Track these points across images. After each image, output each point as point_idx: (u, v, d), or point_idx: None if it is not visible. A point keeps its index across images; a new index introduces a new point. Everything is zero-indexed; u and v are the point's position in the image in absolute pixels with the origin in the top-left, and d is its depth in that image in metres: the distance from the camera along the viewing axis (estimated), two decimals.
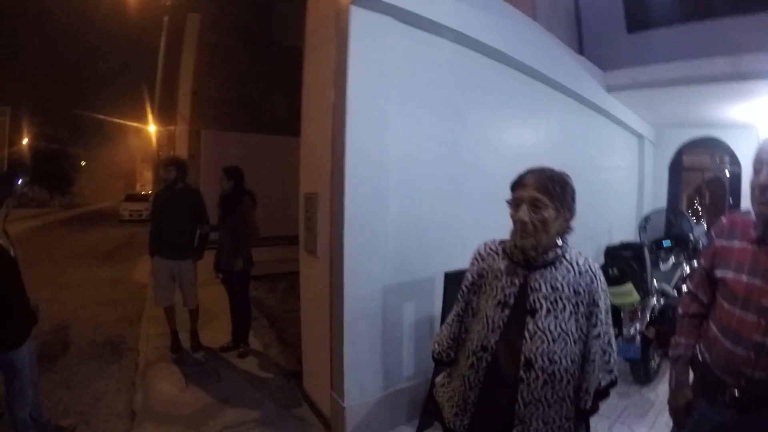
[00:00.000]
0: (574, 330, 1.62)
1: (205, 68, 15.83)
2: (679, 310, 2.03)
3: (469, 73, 4.06)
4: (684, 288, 5.01)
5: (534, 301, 1.64)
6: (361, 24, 3.16)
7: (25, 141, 38.43)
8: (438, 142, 3.78)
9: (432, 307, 3.74)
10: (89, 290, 8.35)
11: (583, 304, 1.63)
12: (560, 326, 1.60)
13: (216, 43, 15.87)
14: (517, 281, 1.69)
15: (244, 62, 15.83)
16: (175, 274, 4.93)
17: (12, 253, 2.93)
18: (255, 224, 4.92)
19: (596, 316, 1.64)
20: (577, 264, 1.66)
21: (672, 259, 5.69)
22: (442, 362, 1.94)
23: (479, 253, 1.87)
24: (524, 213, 1.61)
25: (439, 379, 1.99)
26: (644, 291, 4.20)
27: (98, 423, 3.71)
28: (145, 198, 27.37)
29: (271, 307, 6.88)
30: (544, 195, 1.60)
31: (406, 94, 3.49)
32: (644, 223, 6.25)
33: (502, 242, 1.81)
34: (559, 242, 1.67)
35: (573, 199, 1.68)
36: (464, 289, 1.88)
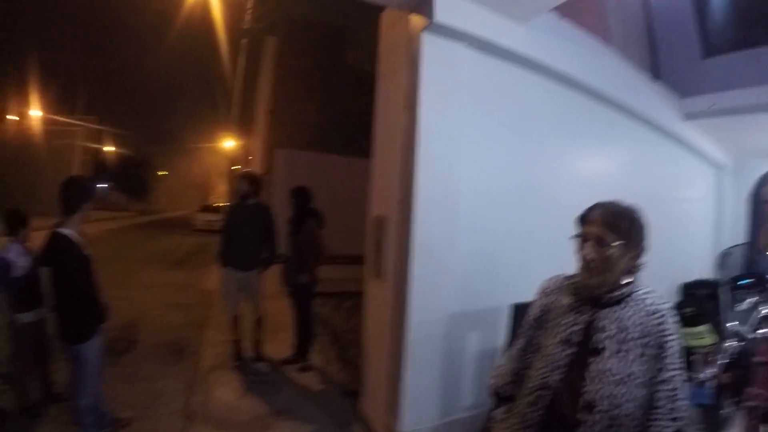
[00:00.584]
0: (639, 373, 1.53)
1: (282, 89, 16.39)
2: (757, 358, 1.88)
3: (540, 100, 3.99)
4: (763, 332, 4.66)
5: (599, 340, 1.57)
6: (433, 50, 3.19)
7: (109, 149, 40.90)
8: (508, 170, 3.72)
9: (496, 339, 3.65)
10: (159, 293, 8.67)
11: (650, 346, 1.54)
12: (625, 368, 1.52)
13: (292, 65, 16.45)
14: (582, 319, 1.63)
15: (318, 85, 16.30)
16: (242, 285, 5.03)
17: (88, 252, 3.08)
18: (320, 243, 4.96)
19: (664, 359, 1.53)
20: (647, 303, 1.58)
21: (750, 299, 5.32)
22: (501, 397, 1.89)
23: (545, 288, 1.82)
24: (589, 250, 1.57)
25: (497, 413, 1.92)
26: (719, 333, 3.94)
27: (154, 420, 3.82)
28: (218, 210, 28.28)
29: (335, 325, 6.91)
30: (610, 231, 1.55)
31: (476, 121, 3.47)
32: (722, 260, 5.88)
33: (569, 277, 1.75)
34: (628, 280, 1.60)
35: (643, 234, 1.61)
36: (527, 323, 1.83)
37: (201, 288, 9.34)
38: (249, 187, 5.07)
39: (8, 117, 29.71)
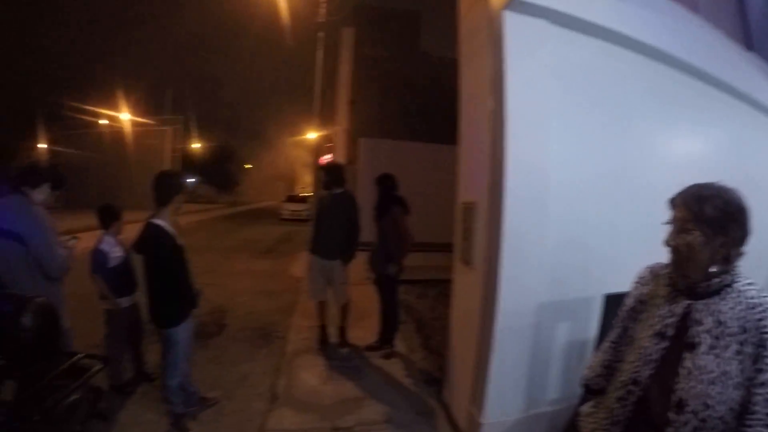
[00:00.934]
0: (736, 373, 1.37)
1: (361, 79, 16.60)
2: None
3: (629, 77, 3.66)
4: None
5: (694, 334, 1.43)
6: (516, 29, 3.02)
7: (197, 145, 43.14)
8: (598, 153, 3.47)
9: (586, 331, 3.45)
10: (248, 280, 8.99)
11: (750, 343, 1.37)
12: (721, 366, 1.37)
13: (370, 55, 16.58)
14: (678, 311, 1.49)
15: (396, 73, 16.39)
16: (327, 272, 5.09)
17: (180, 242, 3.22)
18: (406, 231, 4.89)
19: (764, 359, 1.36)
20: (748, 296, 1.41)
21: None
22: (591, 390, 1.79)
23: (641, 277, 1.70)
24: (671, 237, 1.45)
25: (584, 408, 1.82)
26: None
27: (240, 400, 3.96)
28: (304, 199, 29.00)
29: (421, 313, 6.85)
30: (690, 216, 1.42)
31: (564, 101, 3.26)
32: None
33: (666, 266, 1.61)
34: (724, 269, 1.44)
35: (738, 219, 1.42)
36: (622, 314, 1.72)
37: (288, 275, 9.57)
38: (331, 177, 5.12)
39: (103, 119, 32.30)
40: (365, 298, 6.21)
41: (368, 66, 16.67)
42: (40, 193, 3.08)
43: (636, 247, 3.48)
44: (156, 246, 3.06)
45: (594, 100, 3.45)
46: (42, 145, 35.76)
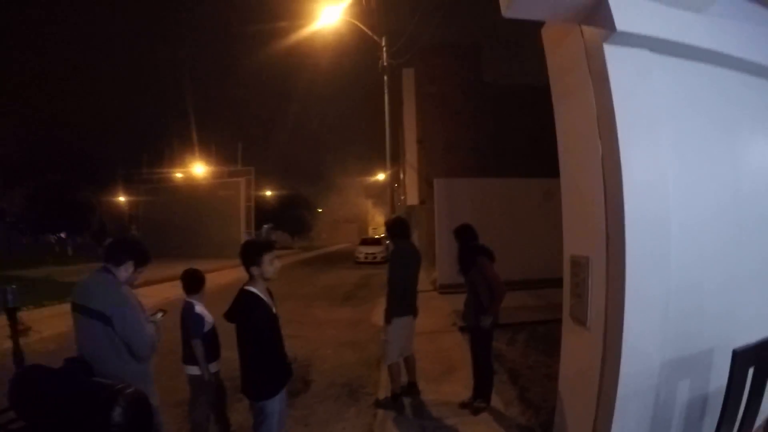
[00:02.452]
0: None
1: (426, 118, 16.67)
2: None
3: (740, 98, 3.29)
4: None
5: None
6: (619, 63, 2.79)
7: (269, 193, 44.80)
8: (716, 187, 3.11)
9: (707, 387, 3.08)
10: (330, 330, 8.92)
11: None
12: None
13: (432, 92, 16.64)
14: None
15: (461, 107, 16.30)
16: (411, 328, 4.99)
17: (274, 310, 3.14)
18: (496, 280, 4.57)
19: None
20: None
21: None
22: None
23: None
24: None
25: None
26: None
27: None
28: (378, 241, 29.17)
29: (513, 362, 6.36)
30: None
31: (676, 135, 2.96)
32: None
33: None
34: None
35: None
36: None
37: (370, 324, 9.37)
38: (392, 232, 5.09)
39: (179, 173, 34.34)
40: (449, 347, 5.95)
41: (432, 104, 16.73)
42: (125, 271, 2.98)
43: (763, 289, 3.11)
44: (249, 315, 2.98)
45: (705, 126, 3.13)
46: (122, 198, 38.66)
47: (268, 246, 3.29)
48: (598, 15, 2.77)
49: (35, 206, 33.36)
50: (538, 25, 3.55)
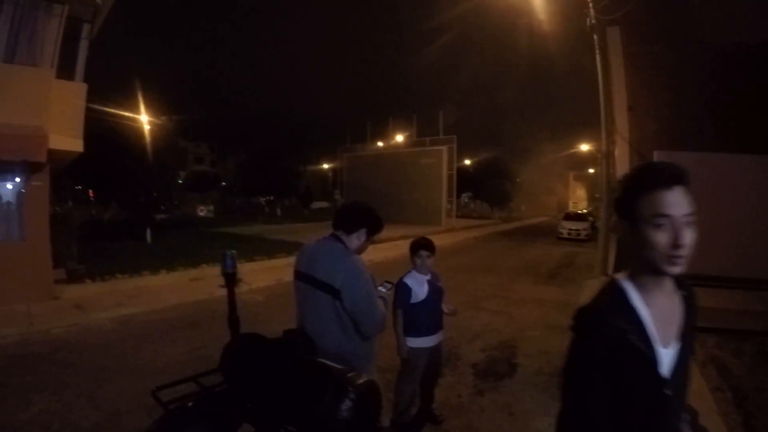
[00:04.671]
0: None
1: (636, 81, 14.86)
2: None
3: None
4: None
5: None
6: None
7: (467, 162, 45.03)
8: None
9: None
10: (535, 310, 8.52)
11: None
12: None
13: (641, 52, 14.73)
14: None
15: (674, 69, 14.15)
16: None
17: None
18: None
19: None
20: None
21: None
22: None
23: None
24: None
25: None
26: None
27: None
28: (583, 217, 27.68)
29: (739, 378, 5.28)
30: None
31: None
32: None
33: None
34: None
35: None
36: None
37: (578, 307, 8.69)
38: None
39: (380, 142, 36.52)
40: None
41: (640, 66, 14.82)
42: (357, 239, 2.70)
43: None
44: None
45: None
46: (325, 166, 42.15)
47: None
48: None
49: (246, 172, 37.35)
50: None
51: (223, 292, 2.97)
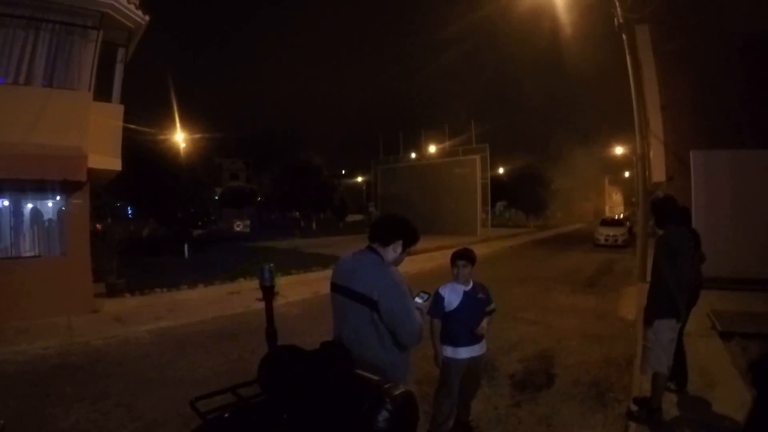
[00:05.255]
0: None
1: (669, 80, 14.43)
2: None
3: None
4: None
5: None
6: None
7: (501, 170, 44.71)
8: None
9: None
10: (573, 319, 8.34)
11: None
12: None
13: (673, 50, 14.30)
14: None
15: (706, 64, 13.64)
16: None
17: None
18: None
19: None
20: None
21: None
22: None
23: None
24: None
25: None
26: None
27: None
28: (620, 223, 27.33)
29: None
30: None
31: None
32: None
33: None
34: None
35: None
36: None
37: (617, 317, 8.53)
38: (660, 215, 4.36)
39: (413, 153, 36.69)
40: (710, 355, 4.99)
41: (671, 63, 14.39)
42: (393, 251, 2.73)
43: None
44: None
45: None
46: (359, 179, 42.33)
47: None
48: None
49: (281, 187, 37.79)
50: None
51: (260, 305, 3.03)
